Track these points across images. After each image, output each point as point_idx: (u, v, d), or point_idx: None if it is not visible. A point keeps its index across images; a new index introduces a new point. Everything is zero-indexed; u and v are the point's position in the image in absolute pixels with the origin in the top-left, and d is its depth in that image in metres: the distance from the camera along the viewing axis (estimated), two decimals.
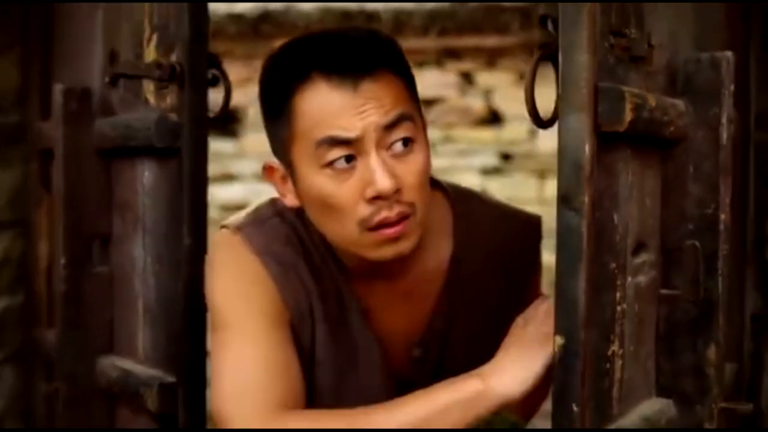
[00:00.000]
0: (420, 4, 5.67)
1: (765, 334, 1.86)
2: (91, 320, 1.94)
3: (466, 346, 1.61)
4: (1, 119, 2.27)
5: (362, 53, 1.42)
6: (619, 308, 1.40)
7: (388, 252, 1.45)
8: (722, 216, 1.50)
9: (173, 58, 1.72)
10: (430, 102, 5.91)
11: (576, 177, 1.28)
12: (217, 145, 6.17)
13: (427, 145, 1.49)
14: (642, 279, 1.48)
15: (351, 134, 1.39)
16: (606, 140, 1.32)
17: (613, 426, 1.39)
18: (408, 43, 5.68)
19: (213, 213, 6.35)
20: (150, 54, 1.79)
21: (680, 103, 1.50)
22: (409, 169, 1.43)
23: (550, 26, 1.34)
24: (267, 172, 1.55)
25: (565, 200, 1.29)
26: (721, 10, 1.78)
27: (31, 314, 2.28)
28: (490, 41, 5.72)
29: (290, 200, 1.53)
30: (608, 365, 1.39)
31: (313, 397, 1.59)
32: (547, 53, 1.35)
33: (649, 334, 1.52)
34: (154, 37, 1.77)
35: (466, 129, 5.95)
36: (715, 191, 1.50)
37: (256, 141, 6.08)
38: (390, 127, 1.41)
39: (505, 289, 1.64)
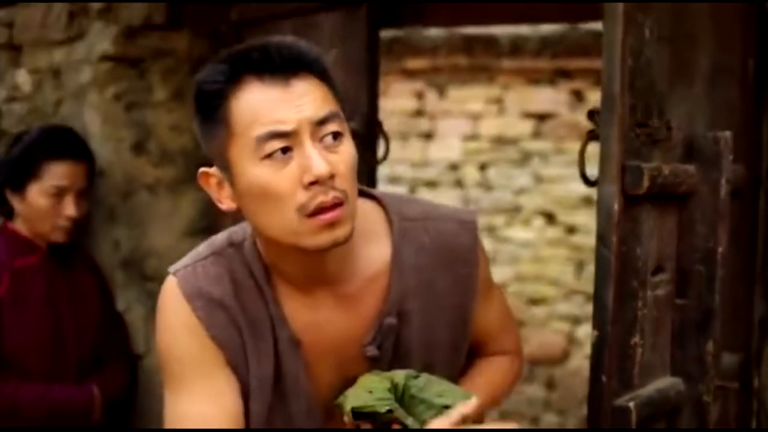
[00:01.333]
0: (535, 29, 6.11)
1: (767, 333, 2.39)
2: None
3: (419, 337, 1.64)
4: (198, 151, 2.95)
5: (288, 56, 1.47)
6: (640, 313, 1.97)
7: (324, 238, 1.47)
8: (720, 249, 2.05)
9: (353, 125, 2.38)
10: (544, 117, 6.37)
11: (608, 225, 1.85)
12: None
13: (352, 143, 1.54)
14: (660, 292, 2.04)
15: (287, 127, 1.44)
16: (631, 200, 1.89)
17: (632, 393, 1.97)
18: (524, 64, 6.21)
19: None
20: None
21: (691, 168, 2.05)
22: (340, 158, 1.48)
23: (596, 118, 1.92)
24: (203, 177, 1.57)
25: (601, 239, 1.87)
26: (736, 89, 2.31)
27: None
28: (598, 63, 6.13)
29: (226, 204, 1.55)
30: (631, 351, 1.96)
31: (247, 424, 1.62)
32: (593, 136, 1.93)
33: (666, 331, 2.09)
34: None
35: (575, 142, 6.34)
36: (715, 231, 2.06)
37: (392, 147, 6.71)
38: (322, 122, 1.47)
39: (450, 283, 1.66)
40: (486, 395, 1.69)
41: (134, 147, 2.91)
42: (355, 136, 2.45)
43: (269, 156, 1.44)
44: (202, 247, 1.64)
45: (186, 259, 1.63)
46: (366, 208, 1.61)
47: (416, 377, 1.55)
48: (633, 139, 1.92)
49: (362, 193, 1.62)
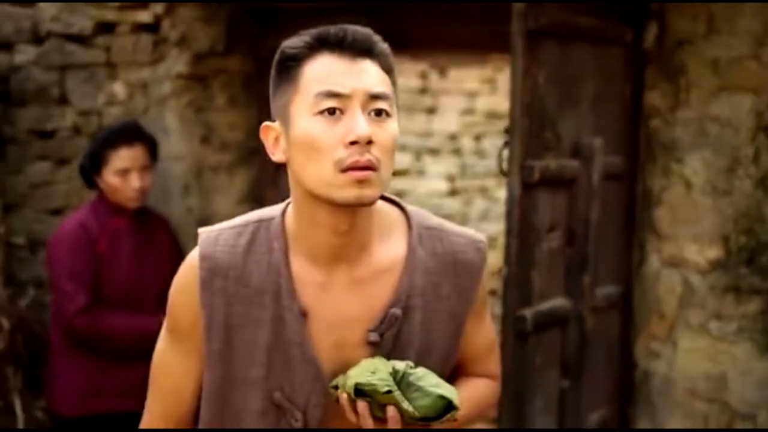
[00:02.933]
0: None
1: (638, 273, 3.47)
2: None
3: (418, 336, 1.71)
4: (247, 141, 4.03)
5: (360, 39, 1.61)
6: (537, 257, 3.05)
7: (352, 193, 1.57)
8: (593, 216, 3.12)
9: None
10: None
11: (513, 203, 2.93)
12: None
13: (397, 126, 1.64)
14: (554, 244, 3.11)
15: (344, 90, 1.57)
16: (528, 187, 2.96)
17: (530, 309, 3.04)
18: None
19: None
20: None
21: (576, 163, 3.12)
22: (382, 131, 1.58)
23: (507, 133, 2.99)
24: (264, 130, 1.67)
25: (508, 212, 2.95)
26: (616, 106, 3.36)
27: None
28: None
29: (278, 156, 1.66)
30: (531, 281, 3.04)
31: (229, 386, 1.70)
32: (506, 144, 3.01)
33: (559, 269, 3.16)
34: None
35: None
36: (590, 205, 3.13)
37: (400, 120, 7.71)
38: (374, 97, 1.59)
39: (451, 292, 1.74)
40: (466, 410, 1.73)
41: (202, 140, 3.99)
42: None
43: (321, 113, 1.57)
44: (237, 218, 1.75)
45: (218, 225, 1.74)
46: (390, 211, 1.74)
47: (414, 368, 1.64)
48: (531, 147, 2.99)
49: (391, 201, 1.75)
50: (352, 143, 1.55)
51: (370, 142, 1.56)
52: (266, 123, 1.66)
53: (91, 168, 3.37)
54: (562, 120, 3.12)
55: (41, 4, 4.10)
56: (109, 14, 4.06)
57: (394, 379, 1.61)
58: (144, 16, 4.02)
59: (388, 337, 1.69)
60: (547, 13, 2.98)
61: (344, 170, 1.56)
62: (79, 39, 4.10)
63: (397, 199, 1.78)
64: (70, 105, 4.14)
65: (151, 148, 3.46)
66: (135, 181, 3.35)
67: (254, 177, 4.05)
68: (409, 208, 1.77)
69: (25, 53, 4.13)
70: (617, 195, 3.38)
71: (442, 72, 7.50)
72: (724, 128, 3.22)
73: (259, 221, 1.71)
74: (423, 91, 7.55)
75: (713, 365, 3.30)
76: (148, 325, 3.29)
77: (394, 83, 1.66)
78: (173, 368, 1.73)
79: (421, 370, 1.63)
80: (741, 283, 3.24)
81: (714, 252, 3.26)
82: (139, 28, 4.04)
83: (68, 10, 4.09)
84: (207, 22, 3.93)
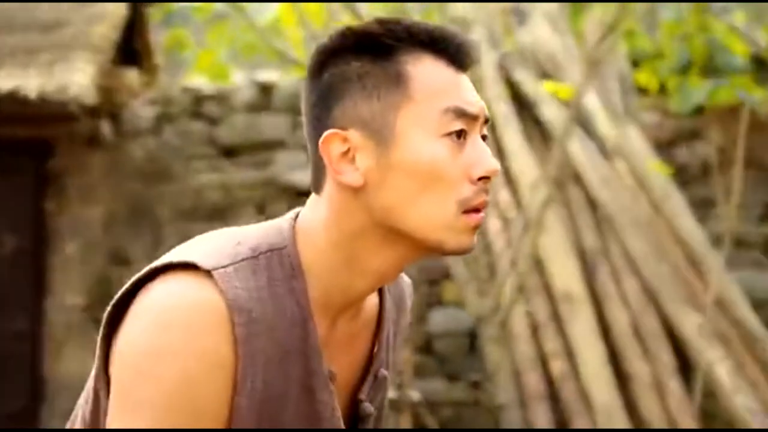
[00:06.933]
0: None
1: None
2: None
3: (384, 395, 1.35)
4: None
5: (473, 52, 1.25)
6: None
7: (467, 240, 1.20)
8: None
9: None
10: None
11: None
12: None
13: None
14: None
15: (473, 109, 1.20)
16: None
17: None
18: None
19: None
20: None
21: None
22: None
23: None
24: (329, 139, 1.18)
25: None
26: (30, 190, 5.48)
27: None
28: None
29: (352, 177, 1.17)
30: None
31: None
32: None
33: None
34: None
35: None
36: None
37: None
38: (486, 120, 1.24)
39: (398, 340, 1.38)
40: None
41: None
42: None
43: (449, 135, 1.19)
44: (229, 236, 1.21)
45: (216, 255, 1.16)
46: None
47: None
48: None
49: None
50: (480, 179, 1.20)
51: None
52: (334, 130, 1.18)
53: None
54: None
55: None
56: None
57: None
58: None
59: (376, 405, 1.32)
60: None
61: (468, 212, 1.19)
62: None
63: None
64: None
65: None
66: None
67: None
68: None
69: None
70: None
71: None
72: None
73: (270, 251, 1.20)
74: None
75: None
76: None
77: None
78: None
79: None
80: (99, 317, 5.90)
81: (84, 299, 5.51)
82: None
83: None
84: None
